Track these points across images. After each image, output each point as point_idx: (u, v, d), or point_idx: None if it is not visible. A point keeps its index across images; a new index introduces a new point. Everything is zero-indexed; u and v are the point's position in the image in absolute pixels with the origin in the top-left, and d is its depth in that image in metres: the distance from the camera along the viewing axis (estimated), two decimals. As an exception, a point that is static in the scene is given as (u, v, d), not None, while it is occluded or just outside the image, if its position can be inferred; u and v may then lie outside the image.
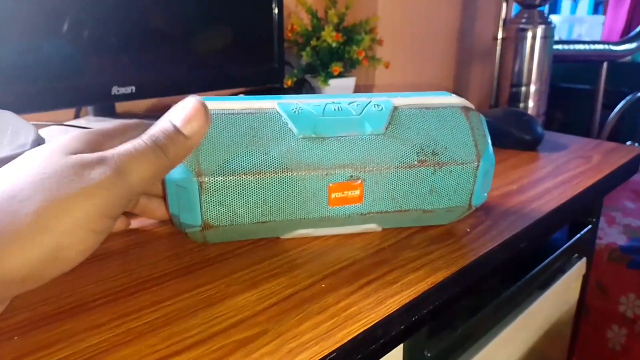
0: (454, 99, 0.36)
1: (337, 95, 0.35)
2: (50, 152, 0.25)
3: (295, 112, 0.32)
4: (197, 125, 0.27)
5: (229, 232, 0.32)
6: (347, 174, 0.31)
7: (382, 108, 0.33)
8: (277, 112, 0.32)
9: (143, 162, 0.25)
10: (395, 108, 0.34)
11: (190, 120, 0.27)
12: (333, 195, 0.31)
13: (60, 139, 0.27)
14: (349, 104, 0.34)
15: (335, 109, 0.33)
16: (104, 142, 0.28)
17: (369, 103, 0.34)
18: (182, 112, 0.27)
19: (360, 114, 0.33)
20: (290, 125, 0.31)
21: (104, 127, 0.30)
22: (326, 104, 0.33)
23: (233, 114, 0.31)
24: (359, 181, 0.32)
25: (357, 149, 0.32)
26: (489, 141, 0.35)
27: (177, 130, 0.27)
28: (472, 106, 0.36)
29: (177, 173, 0.29)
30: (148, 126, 0.32)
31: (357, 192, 0.32)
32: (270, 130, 0.31)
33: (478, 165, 0.34)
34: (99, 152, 0.25)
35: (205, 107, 0.28)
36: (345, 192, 0.32)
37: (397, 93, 0.36)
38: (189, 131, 0.27)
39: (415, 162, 0.33)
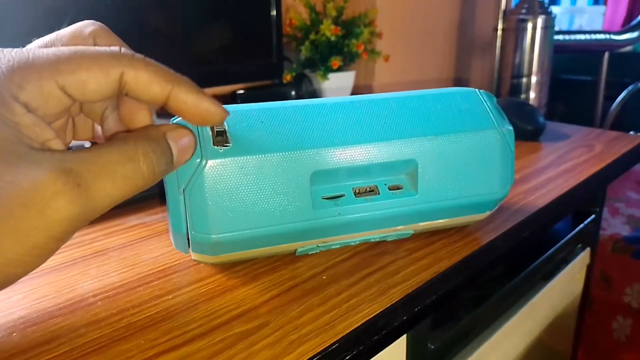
0: None
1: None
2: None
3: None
4: (184, 160, 0.25)
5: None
6: None
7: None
8: None
9: (118, 178, 0.21)
10: None
11: (183, 156, 0.25)
12: None
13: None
14: None
15: None
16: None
17: None
18: (176, 140, 0.24)
19: None
20: None
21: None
22: None
23: None
24: None
25: None
26: None
27: (172, 156, 0.24)
28: None
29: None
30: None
31: None
32: None
33: None
34: (66, 164, 0.19)
35: (195, 147, 0.26)
36: None
37: None
38: (177, 161, 0.24)
39: None
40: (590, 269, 0.69)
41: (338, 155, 0.29)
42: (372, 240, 0.33)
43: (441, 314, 0.42)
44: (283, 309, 0.27)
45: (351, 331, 0.26)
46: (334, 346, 0.25)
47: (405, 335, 0.35)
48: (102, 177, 0.20)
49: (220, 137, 0.27)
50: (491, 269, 0.35)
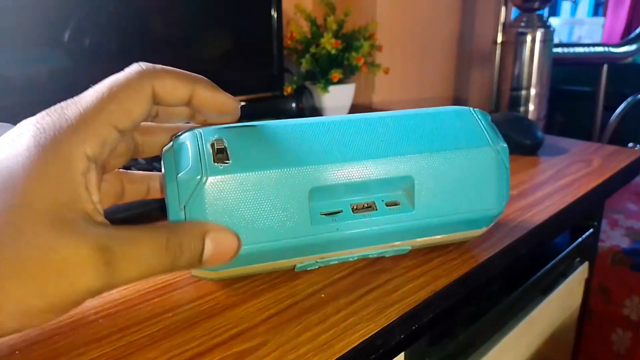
0: None
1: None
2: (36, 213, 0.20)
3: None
4: (217, 264, 0.26)
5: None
6: None
7: None
8: None
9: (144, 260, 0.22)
10: None
11: (218, 258, 0.25)
12: None
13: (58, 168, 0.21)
14: None
15: None
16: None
17: None
18: (218, 243, 0.25)
19: None
20: None
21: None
22: None
23: None
24: None
25: None
26: None
27: (200, 255, 0.24)
28: None
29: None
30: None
31: None
32: None
33: None
34: (104, 240, 0.21)
35: (237, 253, 0.26)
36: None
37: None
38: (207, 263, 0.25)
39: None
40: (588, 282, 0.69)
41: (336, 172, 0.29)
42: (370, 256, 0.34)
43: (439, 330, 0.42)
44: (282, 327, 0.27)
45: (348, 351, 0.26)
46: (332, 366, 0.25)
47: (403, 353, 0.35)
48: (131, 261, 0.21)
49: (221, 154, 0.27)
50: (488, 286, 0.36)
